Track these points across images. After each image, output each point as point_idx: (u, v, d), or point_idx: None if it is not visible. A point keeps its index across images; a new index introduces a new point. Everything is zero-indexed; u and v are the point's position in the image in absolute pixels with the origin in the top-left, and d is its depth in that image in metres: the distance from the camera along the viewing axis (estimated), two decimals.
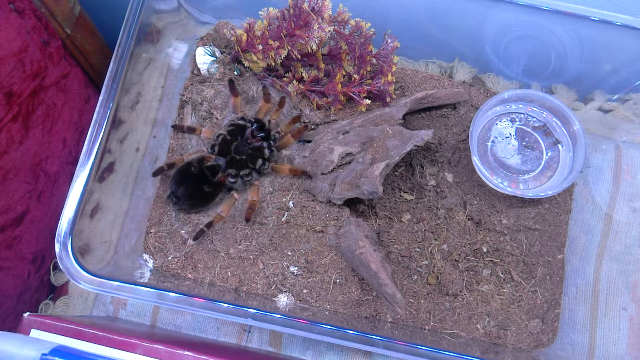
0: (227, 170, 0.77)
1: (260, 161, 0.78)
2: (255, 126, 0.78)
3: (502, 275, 0.81)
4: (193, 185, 0.76)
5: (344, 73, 0.81)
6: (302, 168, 0.78)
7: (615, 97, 0.91)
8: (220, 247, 0.78)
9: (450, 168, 0.85)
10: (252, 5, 0.78)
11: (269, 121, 0.81)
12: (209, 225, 0.76)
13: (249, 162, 0.78)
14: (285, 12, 0.74)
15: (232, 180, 0.77)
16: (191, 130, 0.81)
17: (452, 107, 0.88)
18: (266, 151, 0.78)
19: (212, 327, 0.82)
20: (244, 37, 0.77)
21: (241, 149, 0.78)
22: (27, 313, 0.59)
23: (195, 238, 0.77)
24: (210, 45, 0.85)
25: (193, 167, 0.76)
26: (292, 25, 0.74)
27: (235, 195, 0.78)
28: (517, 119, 0.86)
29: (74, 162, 0.83)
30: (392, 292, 0.72)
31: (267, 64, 0.78)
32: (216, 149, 0.78)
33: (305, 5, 0.72)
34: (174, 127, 0.83)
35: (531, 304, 0.80)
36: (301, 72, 0.81)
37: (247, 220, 0.77)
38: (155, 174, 0.80)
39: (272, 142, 0.79)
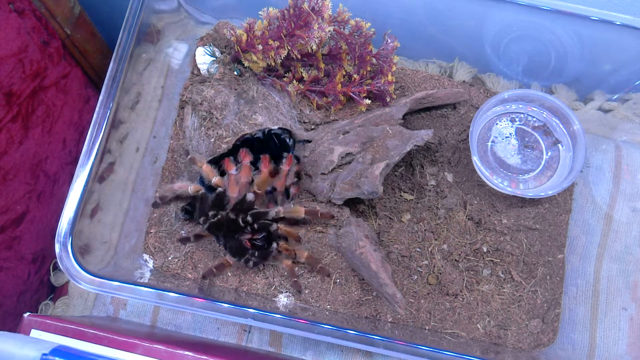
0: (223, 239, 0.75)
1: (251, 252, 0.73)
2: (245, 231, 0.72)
3: (502, 275, 0.81)
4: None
5: (344, 73, 0.81)
6: (327, 213, 0.74)
7: (615, 96, 0.91)
8: (220, 247, 0.78)
9: (450, 168, 0.85)
10: (252, 5, 0.78)
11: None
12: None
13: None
14: (285, 12, 0.74)
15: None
16: (164, 199, 0.76)
17: (452, 107, 0.88)
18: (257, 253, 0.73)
19: (212, 327, 0.82)
20: (244, 37, 0.77)
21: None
22: (27, 313, 0.58)
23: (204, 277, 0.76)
24: (210, 45, 0.85)
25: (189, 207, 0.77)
26: (292, 25, 0.73)
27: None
28: (517, 119, 0.86)
29: (74, 162, 0.83)
30: (392, 292, 0.72)
31: (267, 64, 0.77)
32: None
33: (305, 5, 0.72)
34: (154, 205, 0.78)
35: (531, 304, 0.80)
36: (301, 72, 0.81)
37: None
38: (154, 206, 0.79)
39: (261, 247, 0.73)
